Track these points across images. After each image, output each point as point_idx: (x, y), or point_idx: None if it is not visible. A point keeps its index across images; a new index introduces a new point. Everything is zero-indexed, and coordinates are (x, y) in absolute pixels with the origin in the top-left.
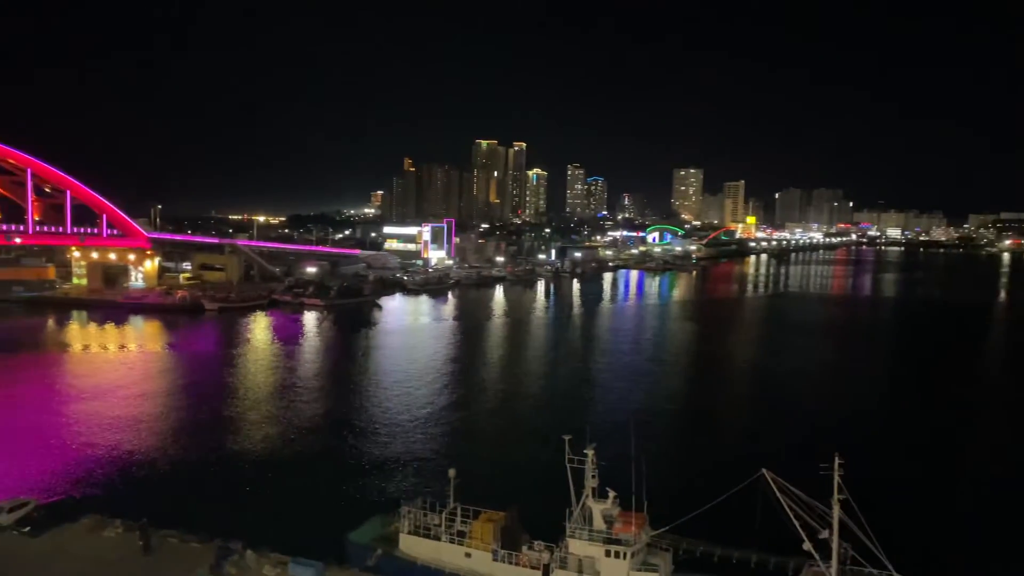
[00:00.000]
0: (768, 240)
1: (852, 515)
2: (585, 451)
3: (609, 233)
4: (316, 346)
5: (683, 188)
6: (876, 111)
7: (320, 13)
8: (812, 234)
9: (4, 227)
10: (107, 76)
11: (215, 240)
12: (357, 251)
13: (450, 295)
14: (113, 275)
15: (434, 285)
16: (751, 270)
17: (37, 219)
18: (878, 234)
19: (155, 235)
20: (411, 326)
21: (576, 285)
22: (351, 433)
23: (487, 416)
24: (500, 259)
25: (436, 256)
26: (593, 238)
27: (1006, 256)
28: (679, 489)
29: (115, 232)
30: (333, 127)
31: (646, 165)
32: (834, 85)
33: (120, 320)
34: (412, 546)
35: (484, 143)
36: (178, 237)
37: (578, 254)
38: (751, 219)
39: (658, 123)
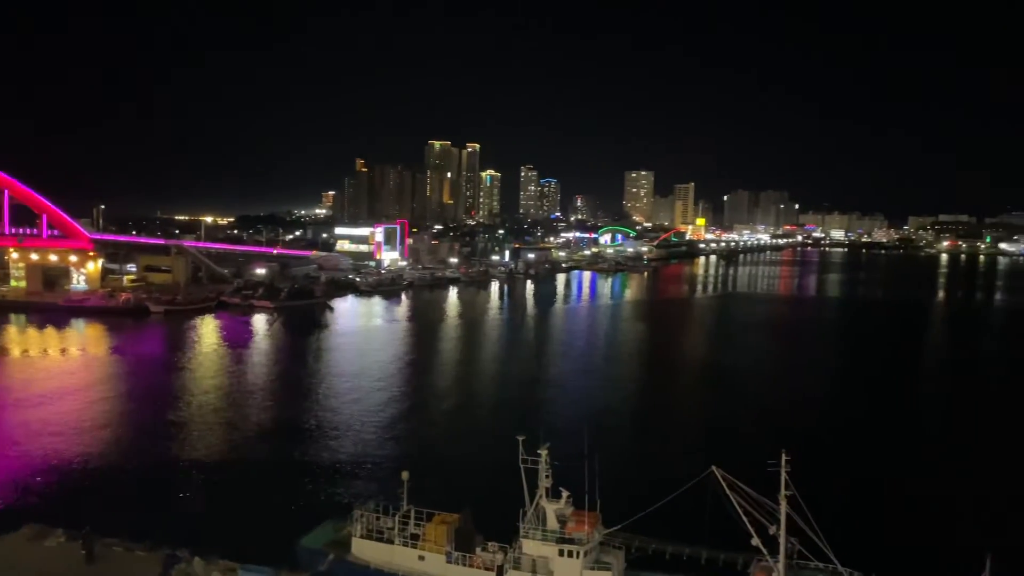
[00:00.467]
0: (717, 241)
1: (799, 511)
2: (539, 451)
3: (562, 234)
4: (266, 348)
5: (634, 190)
6: (821, 115)
7: (269, 11)
8: (759, 235)
9: None
10: (45, 71)
11: (161, 241)
12: (308, 252)
13: (403, 296)
14: (53, 277)
15: (387, 286)
16: (701, 271)
17: None
18: (823, 236)
19: (98, 236)
20: (364, 328)
21: (530, 286)
22: (302, 437)
23: (440, 418)
24: (454, 260)
25: (389, 257)
26: (546, 239)
27: (943, 257)
28: (632, 487)
29: (56, 233)
30: (283, 126)
31: (598, 167)
32: (781, 88)
33: (61, 323)
34: (365, 550)
35: (437, 144)
36: (122, 238)
37: (531, 255)
38: (700, 221)
39: (610, 125)
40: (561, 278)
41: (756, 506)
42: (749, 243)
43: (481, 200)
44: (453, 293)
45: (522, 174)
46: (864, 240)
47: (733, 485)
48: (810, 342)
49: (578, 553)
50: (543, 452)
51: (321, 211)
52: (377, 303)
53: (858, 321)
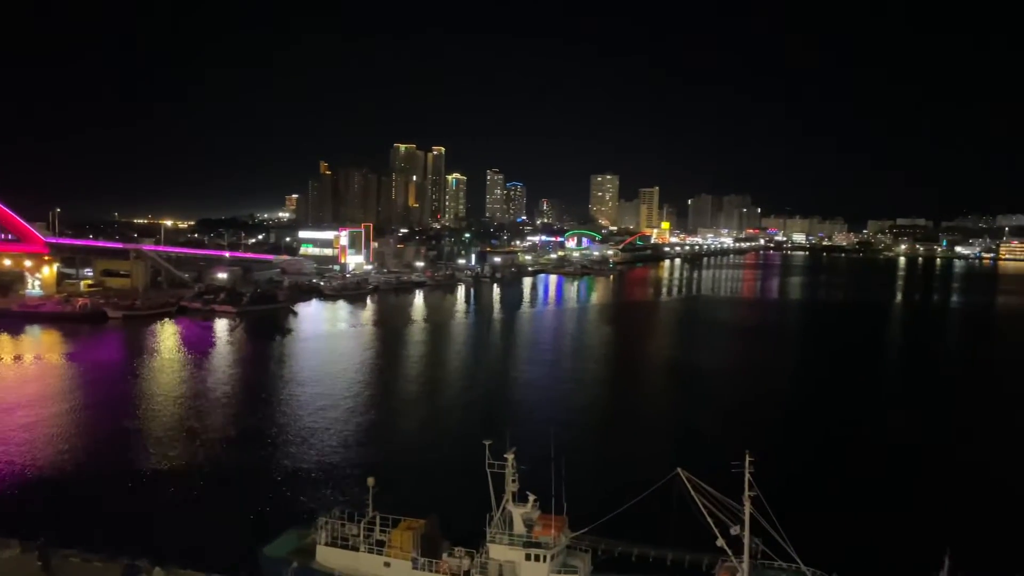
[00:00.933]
0: (681, 245)
1: (763, 511)
2: (505, 455)
3: (528, 238)
4: (227, 354)
5: (600, 194)
6: (785, 121)
7: (231, 11)
8: (723, 239)
9: None
10: None
11: (119, 245)
12: (271, 256)
13: (368, 301)
14: (7, 282)
15: (352, 290)
16: (666, 274)
17: None
18: (784, 239)
19: (54, 240)
20: (328, 332)
21: (496, 290)
22: (265, 444)
23: (407, 423)
24: (420, 264)
25: (354, 261)
26: (513, 243)
27: (901, 260)
28: (598, 490)
29: (9, 237)
30: (245, 128)
31: (564, 171)
32: (747, 96)
33: (15, 330)
34: (329, 557)
35: (402, 147)
36: (79, 242)
37: (498, 259)
38: (665, 225)
39: (575, 129)
40: (528, 282)
41: (721, 507)
42: (713, 247)
43: (447, 203)
44: (419, 297)
45: (488, 177)
46: (825, 244)
47: (698, 487)
48: (773, 344)
49: (545, 557)
50: (509, 456)
51: (284, 214)
52: (342, 307)
53: (819, 323)
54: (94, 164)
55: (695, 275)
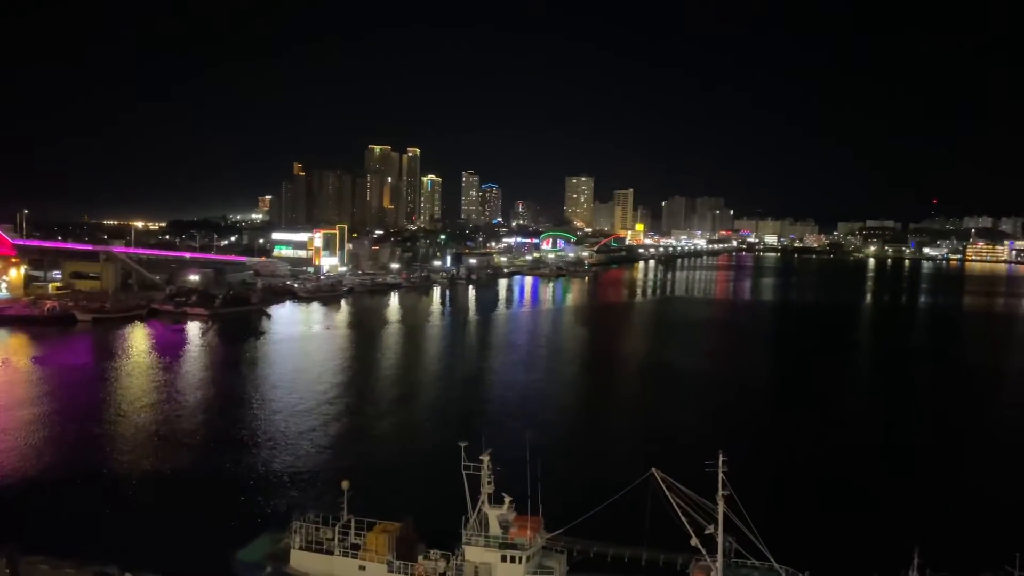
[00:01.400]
0: (656, 247)
1: (736, 510)
2: (481, 457)
3: (504, 240)
4: (199, 357)
5: (575, 196)
6: (756, 123)
7: (199, 14)
8: (696, 241)
9: None
10: None
11: (88, 247)
12: (244, 258)
13: (343, 303)
14: None
15: (326, 292)
16: (640, 275)
17: None
18: (757, 241)
19: (21, 242)
20: (301, 335)
21: (472, 291)
22: (238, 448)
23: (382, 425)
24: (395, 266)
25: (328, 263)
26: (488, 245)
27: (871, 261)
28: (574, 490)
29: None
30: (217, 128)
31: (539, 173)
32: (720, 99)
33: None
34: (304, 562)
35: (377, 148)
36: (47, 244)
37: (473, 260)
38: (639, 226)
39: (551, 131)
40: (503, 283)
41: (695, 506)
42: (687, 248)
43: (422, 205)
44: (394, 299)
45: (463, 179)
46: (796, 245)
47: (672, 486)
48: (746, 344)
49: (520, 558)
50: (485, 458)
51: (258, 216)
52: (316, 309)
53: (791, 324)
54: (63, 165)
55: (669, 276)
